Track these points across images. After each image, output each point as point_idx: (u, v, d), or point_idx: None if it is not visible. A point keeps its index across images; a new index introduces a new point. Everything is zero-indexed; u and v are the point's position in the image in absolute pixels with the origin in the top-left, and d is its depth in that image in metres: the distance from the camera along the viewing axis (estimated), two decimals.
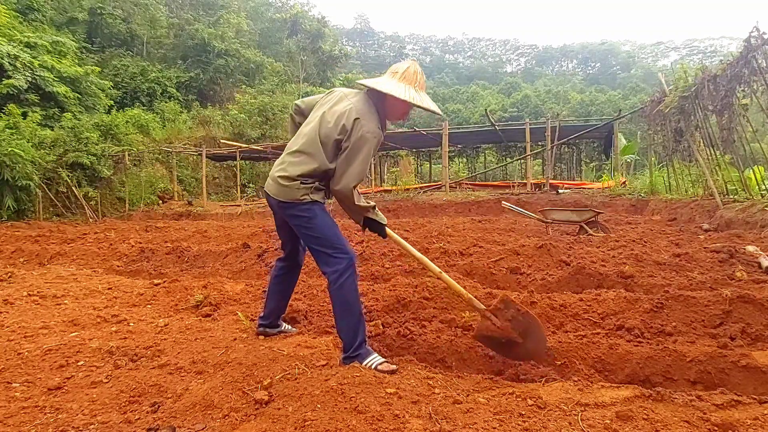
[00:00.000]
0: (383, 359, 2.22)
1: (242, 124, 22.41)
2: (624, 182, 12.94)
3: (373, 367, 2.15)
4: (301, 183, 2.22)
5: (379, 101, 2.28)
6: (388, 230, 2.43)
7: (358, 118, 2.16)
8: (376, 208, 2.40)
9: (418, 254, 2.52)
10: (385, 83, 2.24)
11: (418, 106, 2.25)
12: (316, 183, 2.26)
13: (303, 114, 2.52)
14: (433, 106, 2.32)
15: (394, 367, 2.15)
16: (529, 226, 7.50)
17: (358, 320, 2.24)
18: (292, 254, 2.61)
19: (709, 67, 7.81)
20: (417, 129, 19.93)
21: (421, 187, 15.42)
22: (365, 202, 2.33)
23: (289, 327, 2.83)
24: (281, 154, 2.45)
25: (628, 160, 16.27)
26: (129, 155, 15.35)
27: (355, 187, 2.21)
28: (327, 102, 2.36)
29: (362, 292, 3.53)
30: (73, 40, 19.63)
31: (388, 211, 12.07)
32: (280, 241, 2.63)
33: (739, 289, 3.00)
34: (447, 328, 2.83)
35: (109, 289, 4.10)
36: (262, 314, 2.73)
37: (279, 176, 2.26)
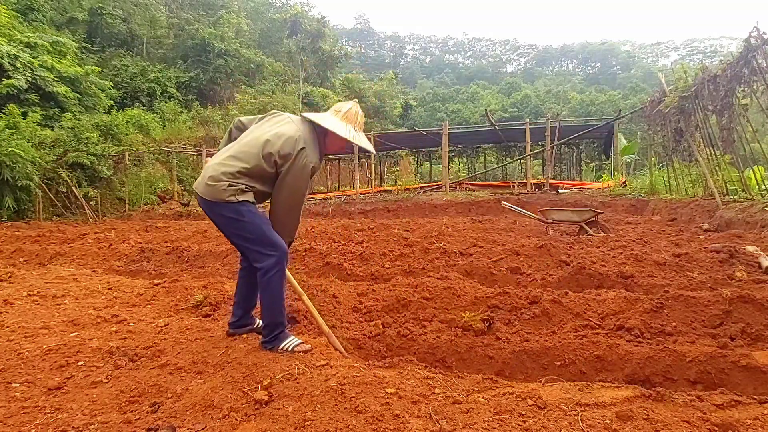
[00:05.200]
0: (299, 341, 2.41)
1: None
2: (624, 182, 12.93)
3: (289, 349, 2.34)
4: (229, 185, 2.29)
5: (322, 134, 2.48)
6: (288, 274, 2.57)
7: (303, 148, 2.33)
8: None
9: (307, 301, 2.69)
10: (329, 120, 2.47)
11: (355, 144, 2.51)
12: (244, 185, 2.32)
13: (243, 130, 2.61)
14: (368, 146, 2.60)
15: (308, 346, 2.37)
16: (529, 226, 7.50)
17: (280, 310, 2.42)
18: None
19: (709, 67, 7.81)
20: (417, 129, 19.93)
21: (421, 187, 15.42)
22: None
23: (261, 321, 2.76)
24: None
25: (628, 160, 16.26)
26: (129, 155, 15.33)
27: (298, 206, 2.42)
28: (274, 122, 2.49)
29: (362, 292, 3.53)
30: (73, 40, 19.60)
31: (388, 211, 12.07)
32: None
33: (739, 289, 3.00)
34: (447, 328, 2.83)
35: (109, 289, 4.10)
36: (231, 318, 2.73)
37: (208, 176, 2.32)
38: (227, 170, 2.31)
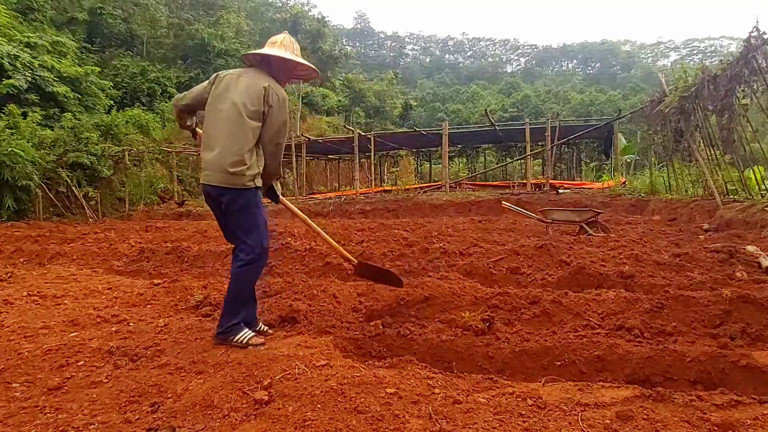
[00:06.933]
0: (253, 333, 2.53)
1: None
2: (624, 182, 12.93)
3: (244, 341, 2.45)
4: (248, 168, 2.44)
5: (267, 69, 2.59)
6: (281, 198, 2.82)
7: (269, 85, 2.47)
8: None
9: (303, 216, 2.98)
10: (272, 50, 2.57)
11: (302, 63, 2.62)
12: (257, 168, 2.49)
13: (192, 110, 2.76)
14: (311, 65, 2.73)
15: (262, 340, 2.51)
16: (529, 226, 7.50)
17: (244, 305, 2.55)
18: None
19: (709, 67, 7.80)
20: (417, 129, 19.93)
21: (421, 187, 15.41)
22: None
23: (265, 327, 2.83)
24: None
25: (628, 160, 16.25)
26: (129, 155, 15.33)
27: (281, 144, 2.55)
28: (224, 89, 2.54)
29: (362, 292, 3.53)
30: (73, 40, 19.59)
31: (388, 211, 12.06)
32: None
33: (739, 289, 3.00)
34: (447, 328, 2.83)
35: (109, 289, 4.10)
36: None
37: (229, 162, 2.41)
38: (241, 153, 2.42)
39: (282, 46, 2.59)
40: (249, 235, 2.50)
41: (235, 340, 2.46)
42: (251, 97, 2.44)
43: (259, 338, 2.52)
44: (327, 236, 2.96)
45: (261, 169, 2.53)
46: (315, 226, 2.94)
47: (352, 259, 2.93)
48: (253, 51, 2.62)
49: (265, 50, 2.58)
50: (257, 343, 2.47)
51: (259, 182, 2.51)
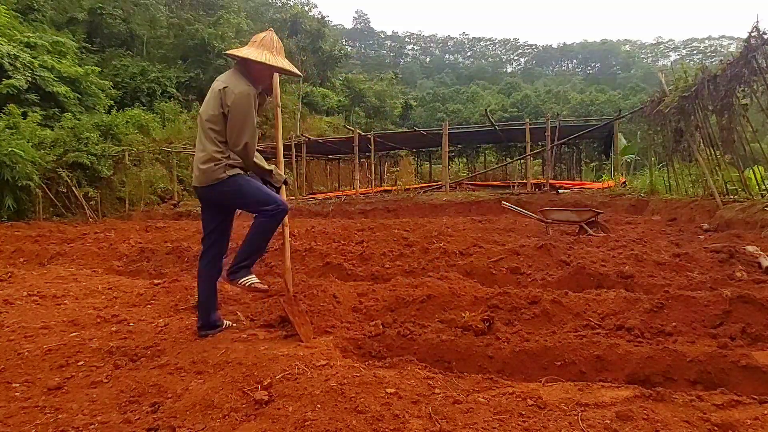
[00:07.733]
0: (258, 281, 2.70)
1: None
2: (624, 182, 12.92)
3: (248, 284, 2.63)
4: (216, 164, 2.54)
5: (245, 69, 2.60)
6: (282, 190, 2.85)
7: (225, 87, 2.50)
8: (274, 171, 2.78)
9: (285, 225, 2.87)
10: (243, 50, 2.59)
11: (274, 66, 2.58)
12: (228, 160, 2.57)
13: None
14: (290, 67, 2.70)
15: (265, 286, 2.71)
16: (529, 226, 7.50)
17: (258, 250, 2.75)
18: (217, 243, 2.80)
19: (709, 67, 7.80)
20: (417, 129, 19.93)
21: (421, 187, 15.41)
22: (266, 164, 2.74)
23: (228, 322, 2.92)
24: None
25: (628, 160, 16.25)
26: (129, 155, 15.33)
27: (248, 144, 2.53)
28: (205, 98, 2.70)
29: (362, 292, 3.53)
30: (73, 40, 19.61)
31: (388, 211, 12.06)
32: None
33: (739, 289, 3.00)
34: (447, 328, 2.82)
35: (109, 289, 4.10)
36: (198, 321, 2.80)
37: (198, 165, 2.59)
38: (208, 153, 2.55)
39: (261, 46, 2.57)
40: (261, 203, 2.59)
41: (240, 281, 2.62)
42: (210, 102, 2.57)
43: (263, 285, 2.70)
44: (288, 253, 2.89)
45: (233, 160, 2.60)
46: (287, 236, 2.89)
47: (290, 289, 2.81)
48: (229, 51, 2.68)
49: (243, 52, 2.59)
50: (261, 289, 2.67)
51: (231, 171, 2.58)
